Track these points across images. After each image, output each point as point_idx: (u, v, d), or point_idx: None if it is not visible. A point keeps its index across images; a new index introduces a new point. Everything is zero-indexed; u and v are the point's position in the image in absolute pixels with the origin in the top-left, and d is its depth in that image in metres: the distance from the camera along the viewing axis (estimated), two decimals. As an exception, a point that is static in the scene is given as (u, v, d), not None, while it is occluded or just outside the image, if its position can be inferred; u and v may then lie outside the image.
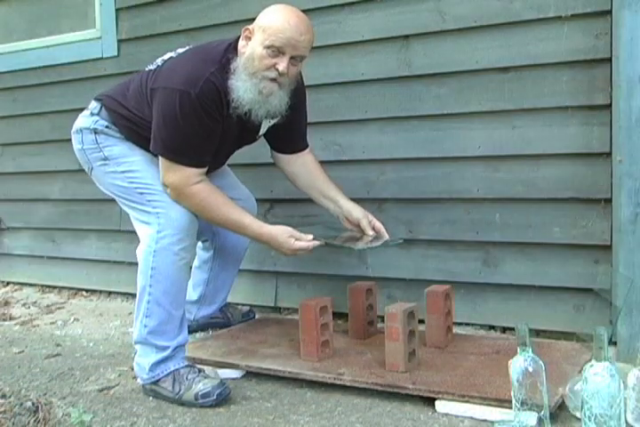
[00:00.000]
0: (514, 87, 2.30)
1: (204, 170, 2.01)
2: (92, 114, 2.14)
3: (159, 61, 2.11)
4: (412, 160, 2.51)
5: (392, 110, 2.52)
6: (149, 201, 2.02)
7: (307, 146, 2.30)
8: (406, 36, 2.48)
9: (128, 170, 2.07)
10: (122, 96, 2.12)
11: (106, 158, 2.10)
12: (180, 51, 2.11)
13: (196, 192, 1.98)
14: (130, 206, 2.08)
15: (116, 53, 3.21)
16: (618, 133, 2.04)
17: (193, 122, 1.92)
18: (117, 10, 3.19)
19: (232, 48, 1.99)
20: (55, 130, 3.39)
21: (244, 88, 1.94)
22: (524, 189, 2.31)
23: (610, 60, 2.11)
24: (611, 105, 2.11)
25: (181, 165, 1.96)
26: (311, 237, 1.99)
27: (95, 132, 2.11)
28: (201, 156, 2.00)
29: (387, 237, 2.13)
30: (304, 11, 2.38)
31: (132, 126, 2.08)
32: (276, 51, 1.90)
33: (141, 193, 2.04)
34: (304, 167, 2.27)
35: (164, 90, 1.95)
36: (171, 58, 2.09)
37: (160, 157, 2.00)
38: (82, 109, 2.21)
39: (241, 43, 1.98)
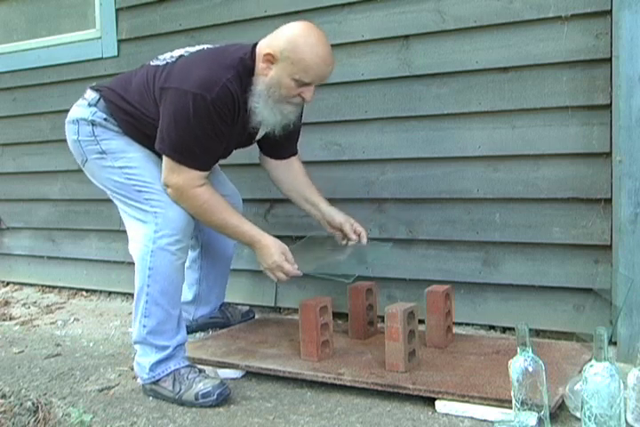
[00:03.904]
0: (514, 87, 2.30)
1: (208, 173, 2.00)
2: (89, 104, 2.09)
3: (168, 57, 2.06)
4: (412, 160, 2.51)
5: (392, 110, 2.52)
6: (147, 199, 2.00)
7: (296, 152, 2.31)
8: (406, 36, 2.48)
9: (126, 166, 2.04)
10: (123, 89, 2.08)
11: (103, 152, 2.06)
12: (192, 50, 2.07)
13: (199, 195, 1.97)
14: (125, 203, 2.05)
15: (115, 53, 3.21)
16: (618, 133, 2.04)
17: (204, 125, 1.91)
18: (117, 10, 3.18)
19: (248, 58, 1.97)
20: (55, 130, 3.39)
21: (267, 113, 1.98)
22: (524, 189, 2.31)
23: (610, 60, 2.11)
24: (611, 105, 2.12)
25: (187, 167, 1.95)
26: (296, 266, 2.03)
27: (93, 124, 2.07)
28: (208, 159, 1.99)
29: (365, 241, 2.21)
30: (304, 11, 2.39)
31: (132, 121, 2.05)
32: (304, 83, 1.92)
33: (139, 191, 2.01)
34: (289, 172, 2.28)
35: (176, 90, 1.92)
36: (181, 56, 2.04)
37: (164, 157, 1.98)
38: (82, 110, 2.20)
39: (262, 64, 1.94)
